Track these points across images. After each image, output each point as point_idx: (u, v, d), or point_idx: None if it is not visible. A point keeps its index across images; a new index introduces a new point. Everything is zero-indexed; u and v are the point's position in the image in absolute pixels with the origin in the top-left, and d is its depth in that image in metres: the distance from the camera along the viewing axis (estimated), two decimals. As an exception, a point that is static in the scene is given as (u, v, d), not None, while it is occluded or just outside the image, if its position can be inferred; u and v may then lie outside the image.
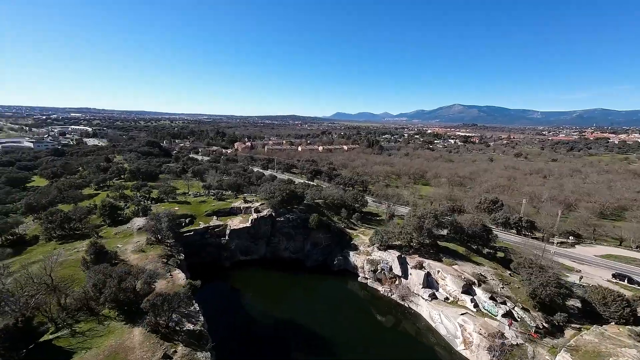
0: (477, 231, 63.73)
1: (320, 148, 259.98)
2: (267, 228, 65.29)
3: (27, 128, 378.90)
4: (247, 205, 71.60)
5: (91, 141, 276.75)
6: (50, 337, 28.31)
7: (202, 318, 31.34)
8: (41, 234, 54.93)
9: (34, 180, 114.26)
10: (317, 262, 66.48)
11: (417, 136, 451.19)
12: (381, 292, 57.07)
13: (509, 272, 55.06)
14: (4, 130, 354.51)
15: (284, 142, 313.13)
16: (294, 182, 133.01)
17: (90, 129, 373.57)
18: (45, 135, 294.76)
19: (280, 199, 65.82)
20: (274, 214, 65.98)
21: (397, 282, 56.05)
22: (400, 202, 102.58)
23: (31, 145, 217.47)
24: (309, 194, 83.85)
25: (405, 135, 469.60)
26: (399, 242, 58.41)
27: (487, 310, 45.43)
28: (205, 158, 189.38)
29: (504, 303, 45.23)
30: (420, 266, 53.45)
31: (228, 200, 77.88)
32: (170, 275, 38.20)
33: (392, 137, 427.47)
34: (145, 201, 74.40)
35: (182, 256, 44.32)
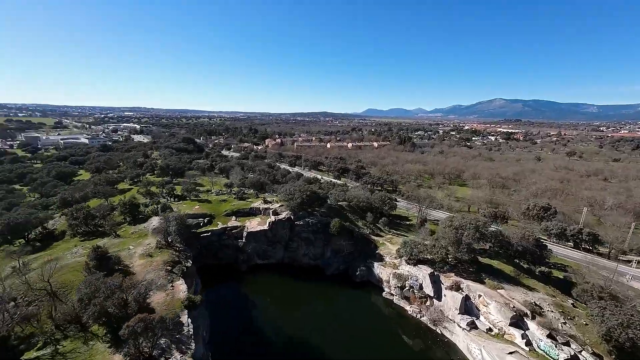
0: (529, 247, 52.88)
1: (350, 145, 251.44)
2: (285, 232, 60.30)
3: (88, 126, 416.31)
4: (266, 206, 67.21)
5: (137, 138, 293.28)
6: (33, 355, 25.50)
7: (193, 345, 26.87)
8: (67, 229, 55.14)
9: (80, 175, 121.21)
10: (337, 271, 60.17)
11: (453, 133, 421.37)
12: (409, 312, 49.29)
13: (571, 300, 44.26)
14: (69, 128, 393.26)
15: (314, 138, 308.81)
16: (320, 180, 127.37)
17: (138, 127, 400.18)
18: (100, 132, 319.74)
19: (299, 201, 60.32)
20: (292, 217, 60.72)
21: (428, 303, 47.87)
22: (434, 205, 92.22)
23: (86, 141, 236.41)
24: (333, 195, 77.47)
25: (440, 131, 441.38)
26: (432, 257, 49.90)
27: (543, 351, 35.95)
28: (235, 154, 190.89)
29: (567, 344, 35.40)
30: (457, 287, 44.77)
31: (249, 200, 74.28)
32: (172, 286, 34.54)
33: (426, 134, 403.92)
34: (169, 198, 73.38)
35: (189, 263, 40.86)
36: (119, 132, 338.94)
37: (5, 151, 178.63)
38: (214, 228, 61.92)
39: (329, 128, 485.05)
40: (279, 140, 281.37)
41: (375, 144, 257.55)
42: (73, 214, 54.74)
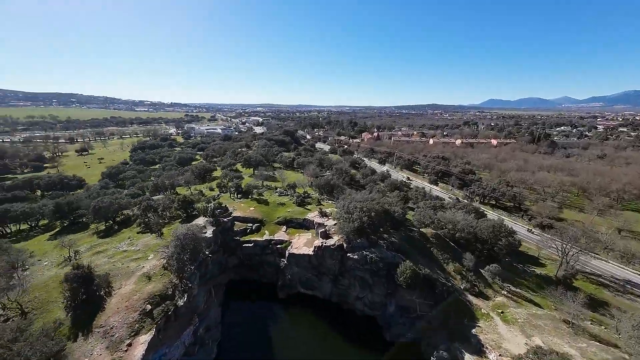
0: None
1: (458, 142, 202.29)
2: (334, 263, 42.26)
3: (229, 118, 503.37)
4: (320, 220, 50.58)
5: (257, 129, 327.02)
6: None
7: None
8: (133, 219, 54.71)
9: (197, 159, 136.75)
10: (403, 339, 38.03)
11: (624, 129, 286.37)
12: None
13: None
14: (217, 120, 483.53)
15: (415, 133, 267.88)
16: (409, 185, 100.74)
17: (260, 119, 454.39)
18: (233, 124, 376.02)
19: (357, 225, 40.64)
20: (345, 244, 41.87)
21: None
22: (591, 246, 54.04)
23: (220, 131, 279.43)
24: (417, 215, 53.41)
25: (600, 127, 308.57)
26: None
27: None
28: (327, 147, 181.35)
29: None
30: None
31: (308, 207, 59.51)
32: (128, 346, 23.41)
33: (574, 130, 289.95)
34: (234, 194, 66.96)
35: (184, 298, 29.37)
36: (246, 124, 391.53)
37: (172, 137, 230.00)
38: (259, 238, 50.21)
39: (436, 122, 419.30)
40: (376, 134, 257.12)
41: (494, 142, 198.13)
42: (140, 204, 53.52)
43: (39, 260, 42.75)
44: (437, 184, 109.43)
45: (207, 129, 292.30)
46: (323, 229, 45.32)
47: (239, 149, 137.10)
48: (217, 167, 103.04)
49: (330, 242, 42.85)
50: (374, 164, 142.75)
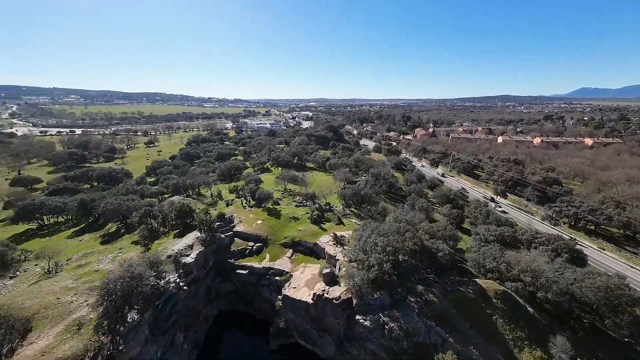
0: None
1: (537, 140, 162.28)
2: (338, 323, 29.31)
3: (282, 113, 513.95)
4: (333, 250, 37.70)
5: (305, 124, 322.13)
6: None
7: None
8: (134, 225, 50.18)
9: (237, 155, 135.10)
10: None
11: None
12: None
13: None
14: (271, 114, 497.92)
15: (479, 129, 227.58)
16: (468, 196, 79.59)
17: (310, 114, 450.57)
18: (283, 120, 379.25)
19: (375, 275, 26.84)
20: (355, 301, 28.44)
21: None
22: None
23: (269, 125, 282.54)
24: (473, 253, 36.46)
25: None
26: None
27: None
28: (371, 145, 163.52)
29: None
30: None
31: (325, 225, 47.14)
32: None
33: None
34: (249, 200, 58.40)
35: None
36: (296, 119, 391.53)
37: (225, 131, 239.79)
38: (256, 264, 40.00)
39: (507, 115, 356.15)
40: (431, 130, 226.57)
41: (588, 141, 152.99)
42: (139, 210, 48.57)
43: (35, 265, 40.32)
44: (506, 197, 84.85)
45: (257, 124, 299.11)
46: (329, 269, 32.51)
47: (277, 146, 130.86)
48: (249, 165, 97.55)
49: (334, 292, 29.87)
50: (424, 167, 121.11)
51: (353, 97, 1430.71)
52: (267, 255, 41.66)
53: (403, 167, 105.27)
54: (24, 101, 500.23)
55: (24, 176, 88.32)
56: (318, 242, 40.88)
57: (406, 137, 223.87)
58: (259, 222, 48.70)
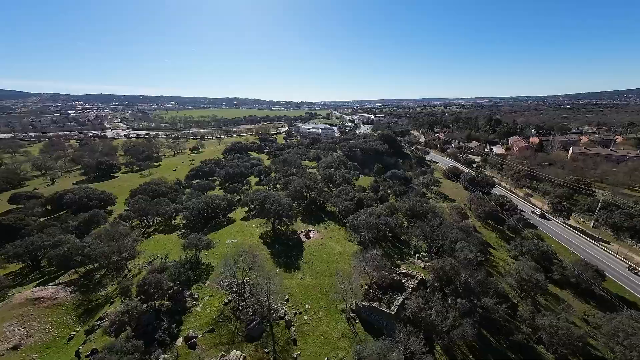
0: None
1: None
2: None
3: (342, 115, 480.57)
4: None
5: (363, 128, 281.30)
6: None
7: None
8: None
9: (252, 175, 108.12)
10: None
11: None
12: None
13: None
14: (332, 117, 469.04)
15: (620, 138, 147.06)
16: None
17: (372, 117, 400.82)
18: (339, 123, 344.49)
19: None
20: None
21: None
22: None
23: (319, 131, 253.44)
24: None
25: None
26: None
27: None
28: (442, 160, 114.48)
29: None
30: None
31: None
32: None
33: None
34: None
35: None
36: (354, 122, 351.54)
37: (272, 137, 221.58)
38: None
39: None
40: (534, 139, 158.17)
41: None
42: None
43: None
44: None
45: (308, 128, 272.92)
46: None
47: (303, 163, 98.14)
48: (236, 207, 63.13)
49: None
50: (537, 211, 69.14)
51: (424, 97, 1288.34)
52: None
53: (501, 216, 58.07)
54: (136, 108, 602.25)
55: (21, 192, 78.18)
56: None
57: (496, 148, 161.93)
58: None
